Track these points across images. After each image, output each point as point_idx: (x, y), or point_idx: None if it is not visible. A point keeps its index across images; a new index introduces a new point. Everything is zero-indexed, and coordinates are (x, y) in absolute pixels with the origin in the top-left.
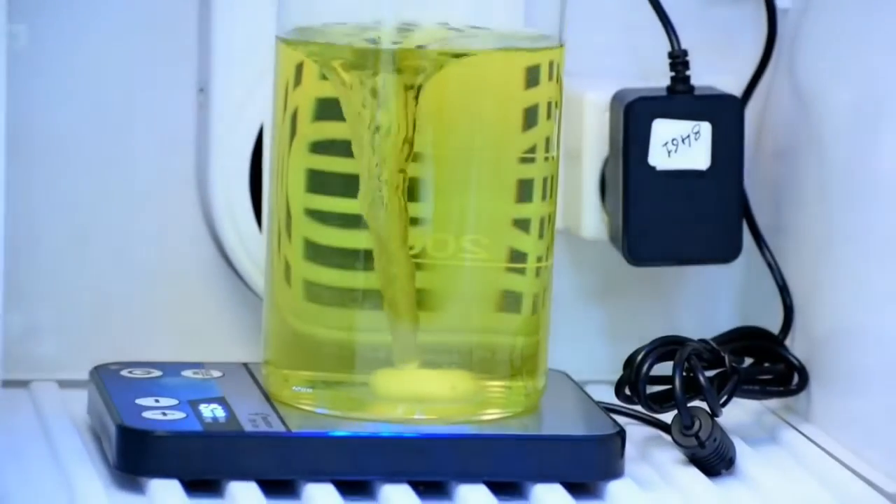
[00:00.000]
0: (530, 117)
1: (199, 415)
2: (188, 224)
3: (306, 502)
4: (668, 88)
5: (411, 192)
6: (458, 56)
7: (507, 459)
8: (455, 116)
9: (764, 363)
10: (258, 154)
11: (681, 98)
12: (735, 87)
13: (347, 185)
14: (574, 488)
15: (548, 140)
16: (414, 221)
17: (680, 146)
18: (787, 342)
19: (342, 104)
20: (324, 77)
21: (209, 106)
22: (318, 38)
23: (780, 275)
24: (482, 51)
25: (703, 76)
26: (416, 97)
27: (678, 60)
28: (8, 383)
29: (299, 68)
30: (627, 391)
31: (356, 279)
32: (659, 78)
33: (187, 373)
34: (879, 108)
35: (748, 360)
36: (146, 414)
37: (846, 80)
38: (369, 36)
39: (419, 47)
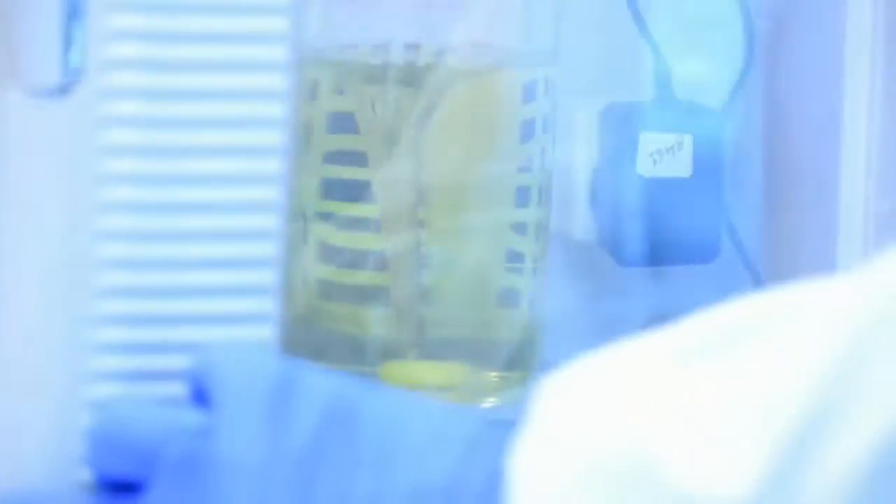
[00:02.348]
0: (527, 130)
1: None
2: None
3: None
4: (654, 103)
5: (419, 198)
6: (465, 74)
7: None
8: (459, 129)
9: None
10: None
11: (665, 112)
12: (716, 101)
13: (357, 192)
14: None
15: (543, 151)
16: (420, 224)
17: (665, 156)
18: None
19: (358, 119)
20: (336, 93)
21: None
22: (333, 56)
23: (758, 275)
24: (486, 68)
25: (686, 91)
26: (429, 113)
27: (663, 76)
28: None
29: (314, 85)
30: None
31: (364, 278)
32: (645, 93)
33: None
34: (839, 118)
35: None
36: None
37: (817, 95)
38: (381, 55)
39: (429, 65)
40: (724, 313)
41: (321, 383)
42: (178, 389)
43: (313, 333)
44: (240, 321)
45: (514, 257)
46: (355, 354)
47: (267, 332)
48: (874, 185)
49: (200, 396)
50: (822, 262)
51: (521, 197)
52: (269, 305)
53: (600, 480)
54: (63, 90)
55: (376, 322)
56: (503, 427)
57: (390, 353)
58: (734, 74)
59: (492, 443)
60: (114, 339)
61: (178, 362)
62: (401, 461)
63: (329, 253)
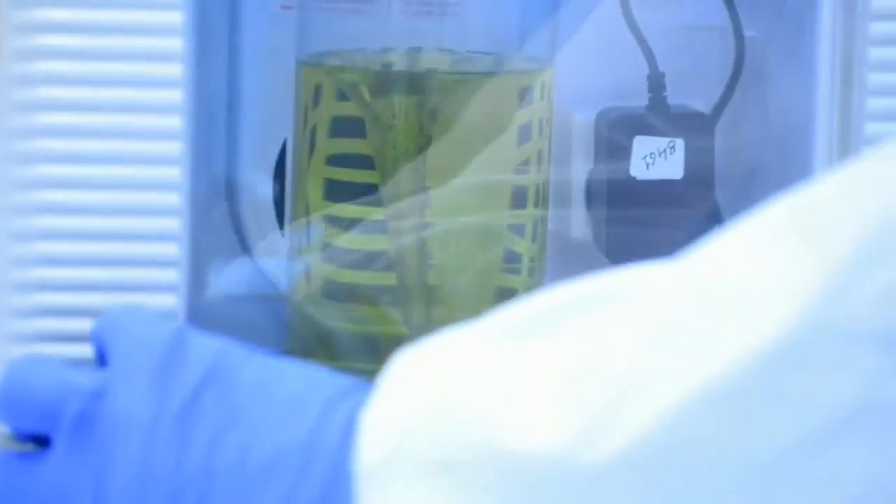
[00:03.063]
0: (524, 133)
1: None
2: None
3: None
4: (647, 108)
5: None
6: (465, 80)
7: None
8: (459, 133)
9: None
10: (281, 166)
11: (658, 116)
12: (706, 106)
13: (359, 194)
14: None
15: (540, 153)
16: (426, 226)
17: (657, 159)
18: None
19: (366, 123)
20: (339, 98)
21: (237, 123)
22: (335, 62)
23: None
24: (484, 74)
25: (678, 96)
26: (432, 117)
27: (656, 83)
28: None
29: (318, 90)
30: None
31: (367, 278)
32: (638, 98)
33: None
34: (813, 121)
35: None
36: None
37: (801, 98)
38: (383, 60)
39: (429, 71)
40: (556, 292)
41: (207, 347)
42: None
43: (317, 331)
44: (145, 290)
45: (512, 257)
46: (357, 351)
47: (171, 302)
48: None
49: (102, 357)
50: None
51: (519, 198)
52: (172, 276)
53: (429, 438)
54: None
55: (383, 320)
56: (365, 388)
57: (392, 349)
58: (724, 81)
59: (351, 402)
60: (29, 305)
61: (86, 326)
62: (266, 420)
63: (332, 253)
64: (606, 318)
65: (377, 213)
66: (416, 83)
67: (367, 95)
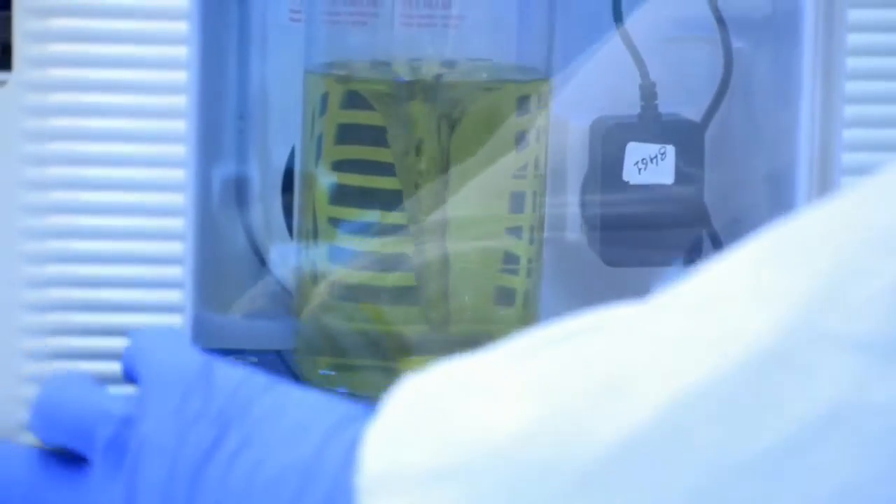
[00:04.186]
0: (522, 140)
1: None
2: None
3: None
4: (639, 116)
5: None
6: (465, 88)
7: None
8: (459, 140)
9: None
10: (290, 172)
11: (650, 124)
12: (696, 115)
13: (365, 198)
14: None
15: (537, 159)
16: (445, 230)
17: (649, 165)
18: None
19: (388, 130)
20: (345, 106)
21: (248, 131)
22: (341, 72)
23: None
24: (483, 83)
25: (669, 105)
26: (456, 123)
27: (648, 92)
28: None
29: (324, 99)
30: None
31: (371, 279)
32: (631, 107)
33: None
34: (796, 127)
35: None
36: None
37: (786, 106)
38: (386, 70)
39: (431, 80)
40: (551, 327)
41: (231, 377)
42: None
43: (324, 330)
44: (152, 287)
45: (510, 259)
46: (363, 350)
47: (178, 321)
48: (816, 184)
49: (130, 376)
50: None
51: (517, 202)
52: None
53: (428, 446)
54: None
55: (395, 320)
56: (368, 414)
57: (396, 348)
58: (713, 90)
59: (357, 425)
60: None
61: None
62: (275, 443)
63: (338, 255)
64: (596, 336)
65: (384, 217)
66: (417, 92)
67: (390, 103)
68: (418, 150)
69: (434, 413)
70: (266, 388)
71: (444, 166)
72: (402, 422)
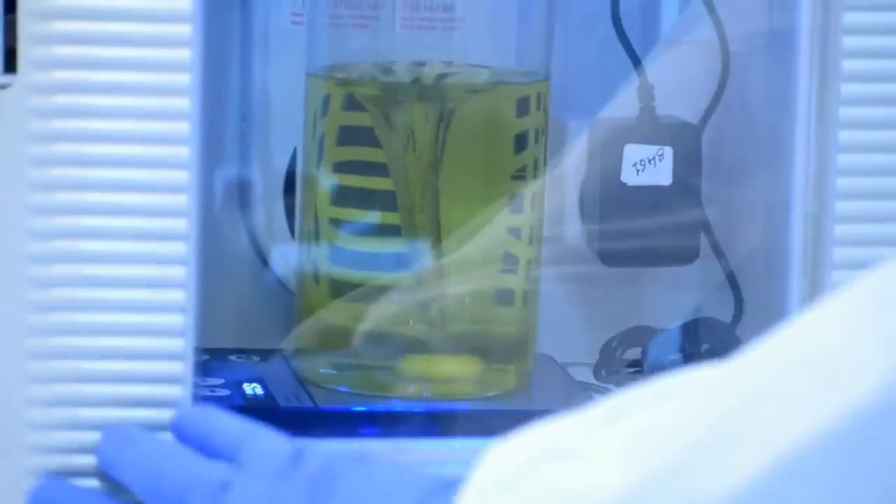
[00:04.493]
0: (521, 142)
1: (241, 392)
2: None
3: None
4: (638, 117)
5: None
6: (466, 91)
7: (502, 431)
8: (460, 141)
9: (718, 348)
10: (292, 173)
11: (647, 126)
12: (693, 116)
13: (365, 199)
14: None
15: (536, 161)
16: (440, 228)
17: (647, 166)
18: (738, 331)
19: (378, 132)
20: (346, 108)
21: (250, 133)
22: (342, 75)
23: (732, 274)
24: (484, 85)
25: (666, 107)
26: (447, 125)
27: (646, 94)
28: None
29: (326, 101)
30: (604, 372)
31: (372, 278)
32: (629, 109)
33: (232, 357)
34: (792, 133)
35: (705, 346)
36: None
37: (782, 108)
38: (387, 73)
39: (440, 77)
40: (628, 392)
41: (322, 455)
42: None
43: (326, 329)
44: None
45: (510, 259)
46: (364, 349)
47: (182, 299)
48: (811, 189)
49: (184, 438)
50: (776, 255)
51: (516, 203)
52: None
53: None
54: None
55: (394, 319)
56: (457, 484)
57: (397, 347)
58: (709, 92)
59: (443, 498)
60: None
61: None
62: None
63: (340, 255)
64: (687, 395)
65: (384, 218)
66: (429, 93)
67: (381, 105)
68: (416, 152)
69: (525, 480)
70: (356, 461)
71: (443, 167)
72: (492, 489)
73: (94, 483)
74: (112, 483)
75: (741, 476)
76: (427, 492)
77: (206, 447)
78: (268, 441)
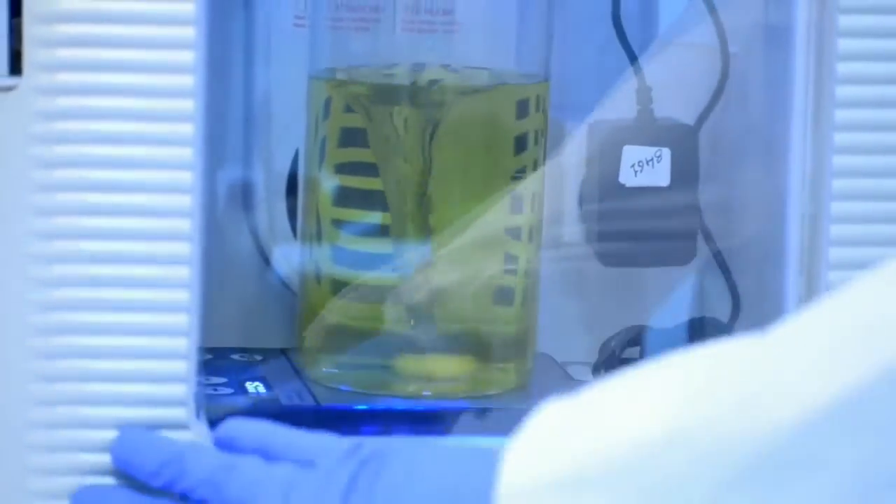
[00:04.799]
0: (521, 143)
1: (244, 391)
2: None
3: None
4: (636, 119)
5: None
6: (465, 93)
7: (500, 428)
8: (460, 143)
9: None
10: (294, 174)
11: (646, 127)
12: (691, 118)
13: (366, 200)
14: None
15: (535, 162)
16: (430, 230)
17: (645, 167)
18: (735, 330)
19: (369, 133)
20: (347, 111)
21: (253, 134)
22: (344, 77)
23: (729, 274)
24: (484, 87)
25: (664, 109)
26: (434, 128)
27: (644, 95)
28: None
29: (327, 103)
30: (603, 371)
31: (373, 278)
32: (628, 110)
33: (235, 356)
34: (788, 135)
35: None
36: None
37: (779, 110)
38: (388, 75)
39: (432, 83)
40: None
41: (377, 441)
42: None
43: (328, 329)
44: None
45: (509, 259)
46: (365, 348)
47: (186, 298)
48: (807, 189)
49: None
50: (772, 255)
51: (516, 204)
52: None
53: (566, 456)
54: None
55: (392, 319)
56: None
57: (398, 346)
58: (706, 94)
59: (497, 456)
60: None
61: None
62: (418, 473)
63: (342, 255)
64: (729, 356)
65: (385, 219)
66: (419, 96)
67: (371, 107)
68: (413, 154)
69: (572, 427)
70: (407, 441)
71: (444, 168)
72: (540, 437)
73: (98, 480)
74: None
75: (782, 425)
76: (482, 452)
77: (264, 454)
78: (327, 439)
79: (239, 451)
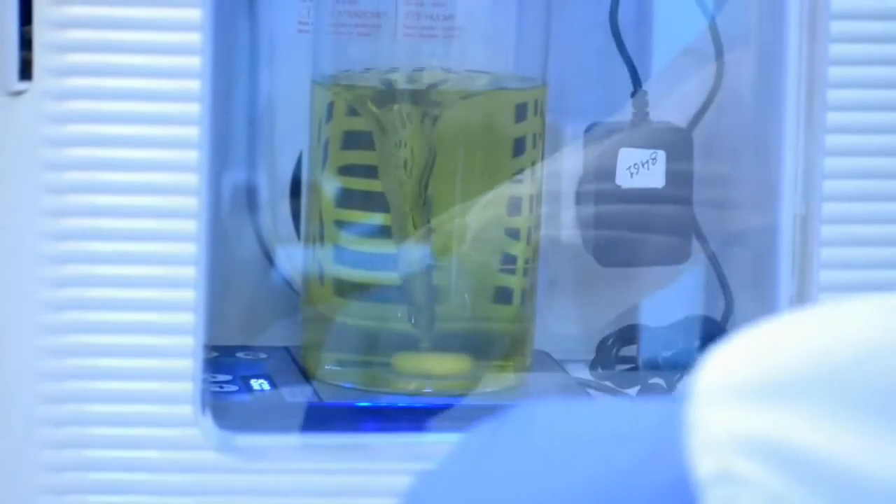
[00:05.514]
0: (519, 146)
1: (249, 388)
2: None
3: None
4: (631, 122)
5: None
6: (465, 96)
7: None
8: (459, 145)
9: (709, 345)
10: (298, 177)
11: (641, 130)
12: (685, 121)
13: (368, 201)
14: None
15: (533, 164)
16: (430, 230)
17: (640, 169)
18: (728, 328)
19: (374, 136)
20: (349, 114)
21: (257, 137)
22: (346, 81)
23: (722, 273)
24: (483, 91)
25: (659, 112)
26: (434, 131)
27: (640, 100)
28: None
29: (330, 107)
30: (600, 369)
31: (376, 278)
32: (624, 114)
33: (240, 355)
34: (781, 137)
35: (697, 343)
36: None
37: (771, 114)
38: (389, 79)
39: (431, 87)
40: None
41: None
42: None
43: (330, 327)
44: (164, 287)
45: (508, 259)
46: (367, 346)
47: (191, 297)
48: (799, 191)
49: None
50: (765, 255)
51: (514, 205)
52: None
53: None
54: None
55: (390, 317)
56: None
57: (399, 344)
58: (700, 97)
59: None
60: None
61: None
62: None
63: (344, 255)
64: None
65: (386, 220)
66: (419, 99)
67: (372, 110)
68: (414, 157)
69: (766, 343)
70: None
71: (444, 170)
72: (733, 353)
73: (104, 477)
74: None
75: None
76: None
77: None
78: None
79: None
